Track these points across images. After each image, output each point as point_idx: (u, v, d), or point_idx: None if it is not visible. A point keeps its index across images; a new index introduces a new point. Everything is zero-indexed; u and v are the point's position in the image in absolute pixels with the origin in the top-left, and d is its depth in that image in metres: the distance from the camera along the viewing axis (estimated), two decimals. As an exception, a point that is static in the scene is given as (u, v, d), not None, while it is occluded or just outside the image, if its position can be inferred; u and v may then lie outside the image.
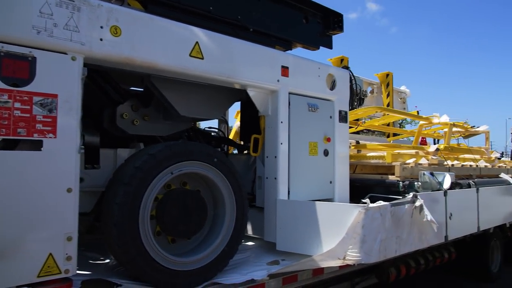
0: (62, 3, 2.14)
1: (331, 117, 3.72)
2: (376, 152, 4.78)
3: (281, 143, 3.26)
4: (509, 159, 10.19)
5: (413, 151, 4.85)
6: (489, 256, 5.59)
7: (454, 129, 6.04)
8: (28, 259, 2.00)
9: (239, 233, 2.95)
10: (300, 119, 3.42)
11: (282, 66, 3.31)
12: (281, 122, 3.28)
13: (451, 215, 3.83)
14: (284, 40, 3.73)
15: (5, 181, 1.94)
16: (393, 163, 4.31)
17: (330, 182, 3.67)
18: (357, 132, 5.99)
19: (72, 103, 2.15)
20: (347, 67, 4.21)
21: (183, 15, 2.94)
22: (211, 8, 3.11)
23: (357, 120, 5.84)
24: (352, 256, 2.73)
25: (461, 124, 6.35)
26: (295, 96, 3.41)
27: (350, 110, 4.06)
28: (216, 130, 4.28)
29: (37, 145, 2.04)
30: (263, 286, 2.78)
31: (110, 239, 2.39)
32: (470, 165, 5.31)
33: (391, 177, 4.18)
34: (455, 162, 5.15)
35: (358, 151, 4.98)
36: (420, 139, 6.52)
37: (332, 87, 3.74)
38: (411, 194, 3.33)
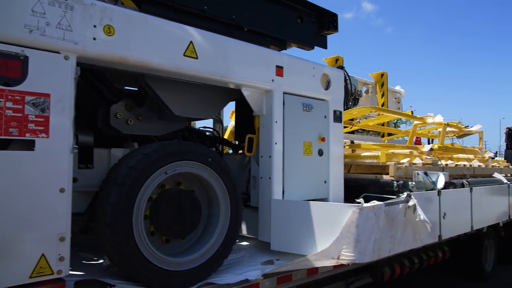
0: (55, 2, 2.12)
1: (325, 117, 3.72)
2: (371, 152, 4.80)
3: (276, 143, 3.27)
4: (503, 158, 10.25)
5: (407, 151, 4.88)
6: (483, 255, 5.65)
7: (448, 129, 6.07)
8: (20, 260, 1.98)
9: (233, 233, 2.95)
10: (295, 119, 3.43)
11: (277, 66, 3.31)
12: (276, 122, 3.28)
13: (444, 214, 3.85)
14: (279, 39, 3.73)
15: (-4, 181, 1.92)
16: (388, 163, 4.33)
17: (325, 182, 3.68)
18: (352, 132, 6.00)
19: (65, 103, 2.14)
20: (342, 67, 4.22)
21: (177, 14, 2.93)
22: (205, 7, 3.10)
23: (352, 120, 5.86)
24: (346, 255, 2.73)
25: (455, 124, 6.39)
26: (289, 95, 3.41)
27: (344, 110, 4.08)
28: (211, 130, 4.27)
29: (29, 145, 2.02)
30: (258, 286, 2.78)
31: (103, 239, 2.39)
32: (464, 165, 5.34)
33: (386, 177, 4.20)
34: (449, 161, 5.19)
35: (353, 150, 4.99)
36: (414, 139, 6.54)
37: (327, 87, 3.75)
38: (405, 194, 3.35)
